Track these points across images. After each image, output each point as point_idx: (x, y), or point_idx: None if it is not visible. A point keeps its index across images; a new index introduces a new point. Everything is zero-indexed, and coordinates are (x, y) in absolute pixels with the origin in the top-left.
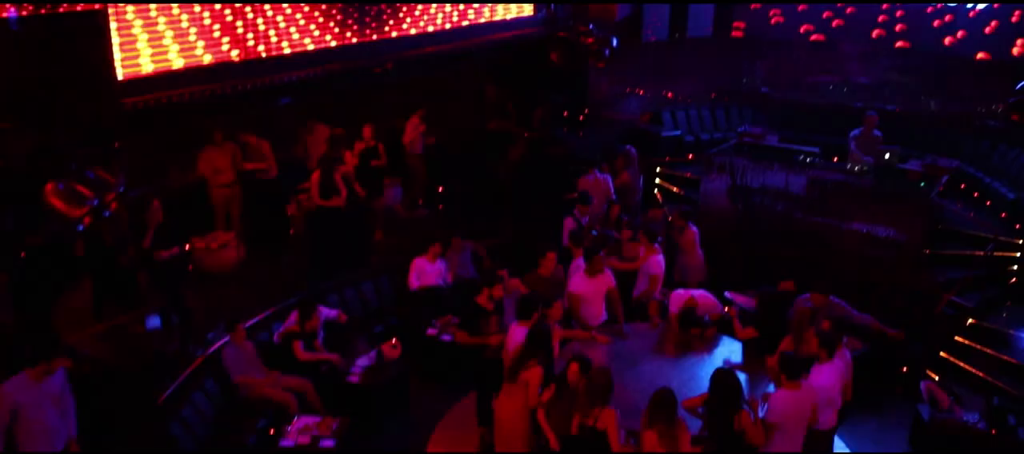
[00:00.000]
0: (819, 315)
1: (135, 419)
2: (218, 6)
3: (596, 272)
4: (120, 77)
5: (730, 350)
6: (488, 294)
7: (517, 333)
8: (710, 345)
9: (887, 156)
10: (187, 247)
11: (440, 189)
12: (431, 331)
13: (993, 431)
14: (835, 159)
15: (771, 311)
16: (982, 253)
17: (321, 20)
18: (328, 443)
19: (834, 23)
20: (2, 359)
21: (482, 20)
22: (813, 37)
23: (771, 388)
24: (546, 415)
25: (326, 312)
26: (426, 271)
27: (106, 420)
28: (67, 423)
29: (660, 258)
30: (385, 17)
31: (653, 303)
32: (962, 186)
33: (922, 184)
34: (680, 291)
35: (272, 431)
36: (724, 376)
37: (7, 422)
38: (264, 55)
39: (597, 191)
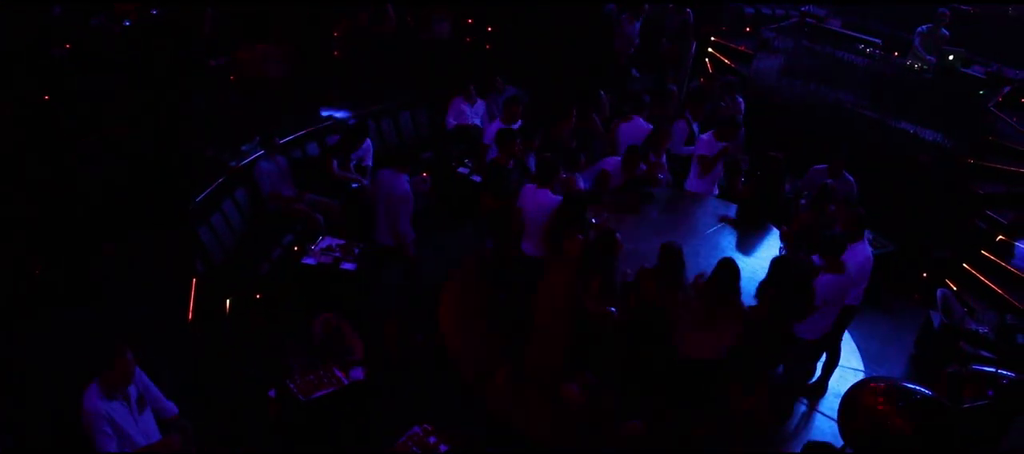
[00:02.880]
0: (836, 194)
1: (165, 219)
2: None
3: None
4: None
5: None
6: (509, 149)
7: (535, 195)
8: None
9: (950, 57)
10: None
11: (489, 28)
12: (462, 170)
13: (997, 345)
14: (896, 54)
15: (769, 176)
16: None
17: None
18: (349, 266)
19: None
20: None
21: None
22: None
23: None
24: (596, 303)
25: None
26: (464, 112)
27: (137, 218)
28: None
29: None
30: None
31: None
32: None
33: (982, 92)
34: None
35: (296, 248)
36: (785, 264)
37: None
38: None
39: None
